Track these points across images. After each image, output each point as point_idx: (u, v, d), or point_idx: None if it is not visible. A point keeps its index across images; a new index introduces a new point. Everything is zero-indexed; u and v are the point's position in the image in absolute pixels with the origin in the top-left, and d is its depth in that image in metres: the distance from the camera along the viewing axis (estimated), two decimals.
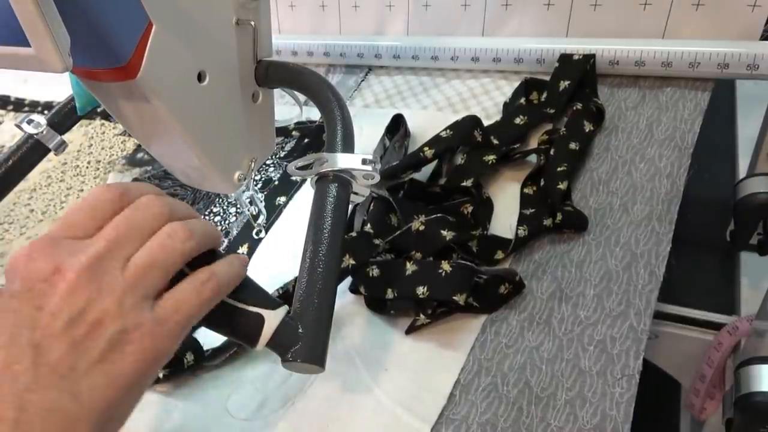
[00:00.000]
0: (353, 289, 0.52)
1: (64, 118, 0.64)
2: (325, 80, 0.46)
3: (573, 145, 0.60)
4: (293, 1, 0.86)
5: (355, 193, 0.44)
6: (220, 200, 0.69)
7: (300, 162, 0.43)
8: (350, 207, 0.45)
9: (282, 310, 0.37)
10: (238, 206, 0.66)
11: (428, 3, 0.78)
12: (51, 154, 0.62)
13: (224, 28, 0.42)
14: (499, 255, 0.53)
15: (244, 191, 0.53)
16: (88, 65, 0.36)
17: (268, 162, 0.73)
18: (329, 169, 0.41)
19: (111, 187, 0.32)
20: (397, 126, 0.69)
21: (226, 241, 0.63)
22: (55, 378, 0.27)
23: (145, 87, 0.36)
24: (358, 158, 0.42)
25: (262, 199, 0.59)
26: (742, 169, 0.68)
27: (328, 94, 0.45)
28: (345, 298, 0.53)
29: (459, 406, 0.44)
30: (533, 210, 0.56)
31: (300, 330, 0.37)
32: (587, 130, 0.62)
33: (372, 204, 0.59)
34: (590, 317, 0.48)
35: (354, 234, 0.54)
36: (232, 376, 0.49)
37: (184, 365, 0.49)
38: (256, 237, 0.61)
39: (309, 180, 0.43)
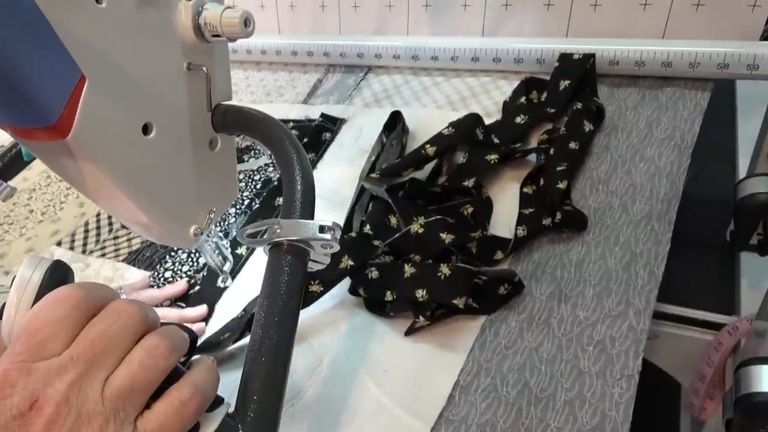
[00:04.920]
0: (352, 290, 0.52)
1: (9, 163, 0.60)
2: (286, 130, 0.41)
3: (573, 145, 0.60)
4: (293, 1, 0.86)
5: (314, 261, 0.39)
6: None
7: (250, 229, 0.38)
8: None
9: (222, 410, 0.32)
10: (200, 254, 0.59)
11: (428, 3, 0.78)
12: None
13: (172, 74, 0.38)
14: (499, 255, 0.53)
15: (207, 241, 0.49)
16: (15, 123, 0.32)
17: (268, 161, 0.73)
18: (283, 239, 0.37)
19: (71, 292, 0.29)
20: (394, 123, 0.69)
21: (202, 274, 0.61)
22: None
23: (78, 147, 0.33)
24: (316, 226, 0.37)
25: (227, 245, 0.54)
26: (742, 169, 0.68)
27: (287, 147, 0.40)
28: (344, 300, 0.53)
29: (458, 407, 0.44)
30: (532, 210, 0.56)
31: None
32: (587, 130, 0.62)
33: (371, 204, 0.59)
34: (589, 317, 0.48)
35: (353, 234, 0.54)
36: (232, 377, 0.49)
37: None
38: (222, 285, 0.57)
39: (262, 247, 0.38)
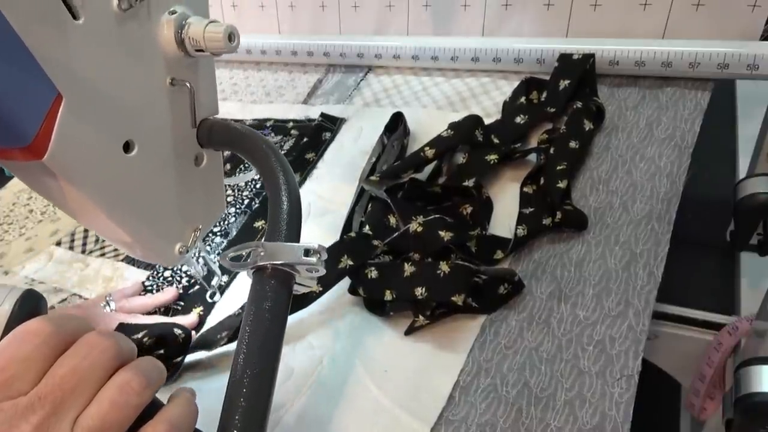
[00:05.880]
0: (352, 290, 0.52)
1: None
2: (272, 146, 0.39)
3: (573, 144, 0.60)
4: (293, 1, 0.86)
5: (300, 284, 0.37)
6: None
7: (233, 252, 0.37)
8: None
9: None
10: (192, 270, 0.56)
11: (428, 3, 0.78)
12: None
13: (155, 90, 0.37)
14: (499, 255, 0.53)
15: (194, 256, 0.48)
16: None
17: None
18: (267, 263, 0.35)
19: (39, 327, 0.28)
20: (395, 124, 0.69)
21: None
22: None
23: (55, 167, 0.31)
24: (301, 249, 0.35)
25: (215, 260, 0.53)
26: (742, 169, 0.68)
27: (273, 163, 0.38)
28: (344, 299, 0.53)
29: (458, 407, 0.44)
30: (532, 209, 0.56)
31: None
32: (587, 129, 0.62)
33: (370, 205, 0.59)
34: (589, 317, 0.48)
35: (353, 235, 0.54)
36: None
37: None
38: (210, 300, 0.56)
39: (246, 270, 0.37)
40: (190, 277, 0.60)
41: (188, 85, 0.38)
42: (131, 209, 0.38)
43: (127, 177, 0.37)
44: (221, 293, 0.57)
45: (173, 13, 0.36)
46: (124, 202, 0.37)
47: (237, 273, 0.58)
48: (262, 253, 0.35)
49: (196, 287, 0.59)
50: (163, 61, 0.37)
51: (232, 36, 0.36)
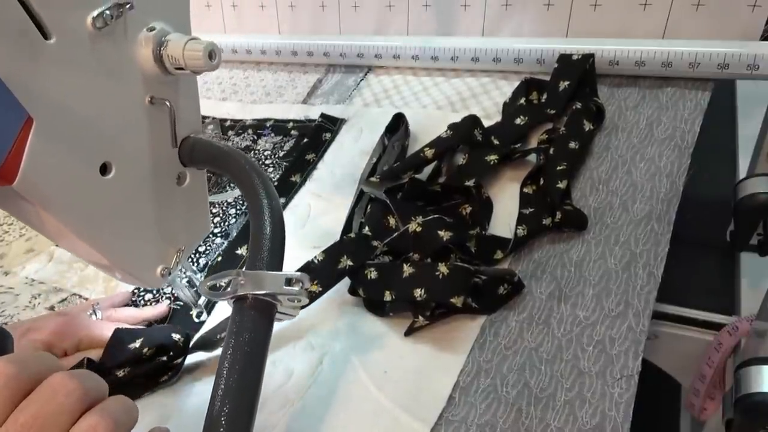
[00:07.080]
0: (352, 291, 0.52)
1: None
2: (255, 166, 0.38)
3: (573, 145, 0.60)
4: (293, 1, 0.86)
5: (282, 313, 0.36)
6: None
7: (212, 280, 0.35)
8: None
9: None
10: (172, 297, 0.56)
11: (428, 3, 0.78)
12: None
13: (133, 110, 0.36)
14: (498, 255, 0.53)
15: (180, 276, 0.47)
16: None
17: (267, 162, 0.73)
18: (248, 292, 0.34)
19: (3, 368, 0.26)
20: (396, 125, 0.69)
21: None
22: None
23: (26, 192, 0.30)
24: (282, 278, 0.34)
25: (202, 279, 0.52)
26: (742, 169, 0.68)
27: (257, 185, 0.37)
28: (344, 300, 0.53)
29: (458, 407, 0.44)
30: (532, 209, 0.56)
31: None
32: (587, 130, 0.62)
33: (370, 206, 0.59)
34: (589, 317, 0.48)
35: (353, 235, 0.54)
36: None
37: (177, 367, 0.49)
38: (197, 320, 0.55)
39: (226, 300, 0.35)
40: (189, 279, 0.59)
41: (168, 103, 0.37)
42: (110, 232, 0.36)
43: (105, 200, 0.35)
44: (208, 312, 0.56)
45: (152, 29, 0.35)
46: (102, 226, 0.36)
47: None
48: (242, 282, 0.34)
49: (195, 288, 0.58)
50: (141, 79, 0.36)
51: (212, 54, 0.35)
